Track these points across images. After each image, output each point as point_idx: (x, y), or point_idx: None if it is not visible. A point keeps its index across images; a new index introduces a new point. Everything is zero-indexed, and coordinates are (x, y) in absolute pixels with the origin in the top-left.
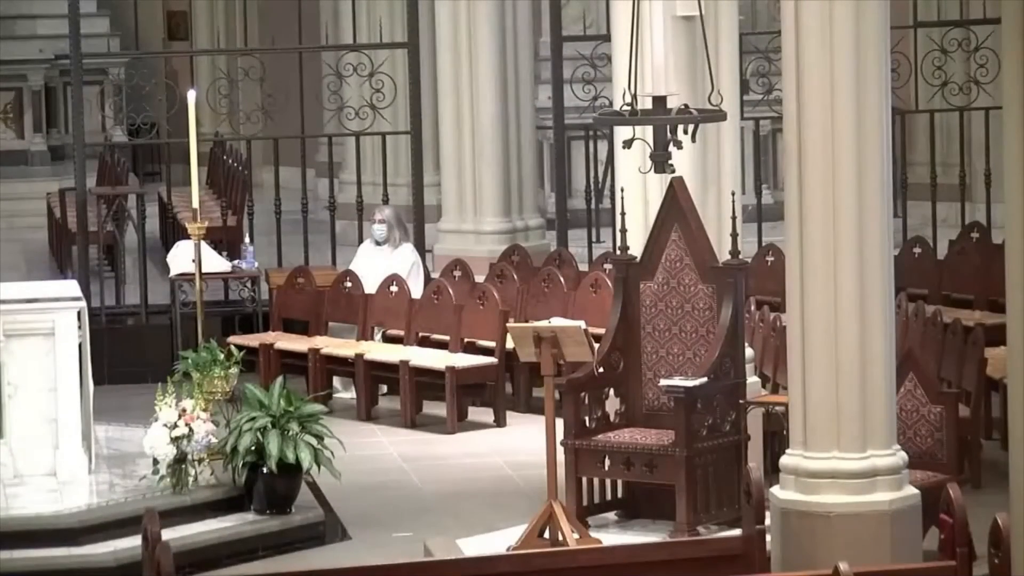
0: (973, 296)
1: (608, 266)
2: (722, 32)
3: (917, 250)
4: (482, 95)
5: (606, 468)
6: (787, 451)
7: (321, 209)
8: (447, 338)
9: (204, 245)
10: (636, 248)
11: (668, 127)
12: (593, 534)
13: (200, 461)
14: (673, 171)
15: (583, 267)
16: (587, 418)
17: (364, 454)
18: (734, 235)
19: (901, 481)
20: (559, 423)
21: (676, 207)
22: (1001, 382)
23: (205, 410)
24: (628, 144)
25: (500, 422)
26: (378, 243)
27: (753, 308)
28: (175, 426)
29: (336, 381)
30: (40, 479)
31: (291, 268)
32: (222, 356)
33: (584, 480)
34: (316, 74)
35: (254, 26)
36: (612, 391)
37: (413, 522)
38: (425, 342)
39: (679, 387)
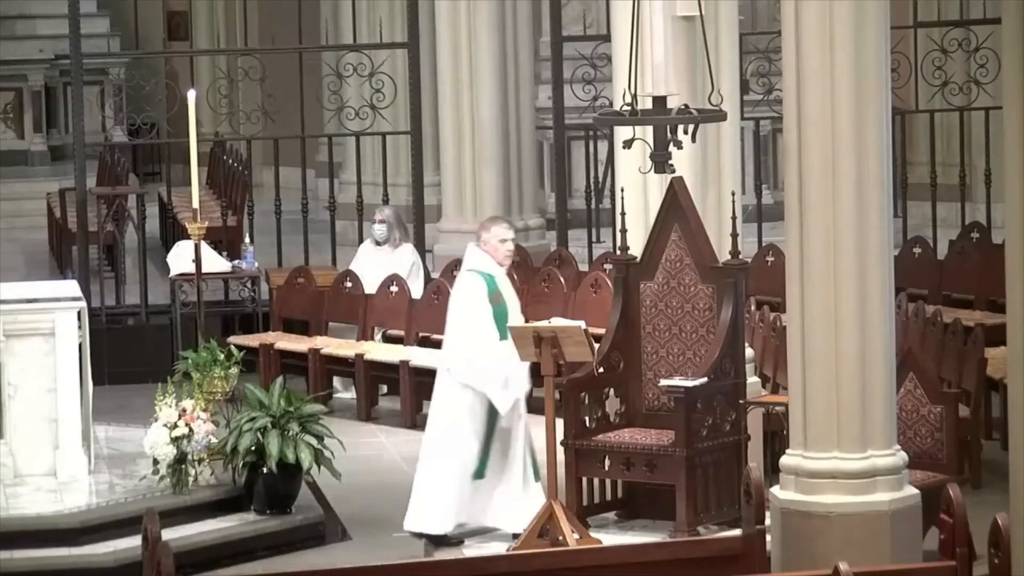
0: (973, 296)
1: (608, 266)
2: (722, 32)
3: (917, 250)
4: (482, 95)
5: (606, 468)
6: (787, 451)
7: (321, 209)
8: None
9: (204, 245)
10: (636, 248)
11: (668, 127)
12: (593, 534)
13: (200, 461)
14: (673, 171)
15: (583, 267)
16: (587, 418)
17: (364, 454)
18: (734, 235)
19: (901, 481)
20: (559, 423)
21: (676, 207)
22: (1001, 382)
23: (205, 410)
24: (628, 144)
25: None
26: (378, 243)
27: (753, 308)
28: (175, 426)
29: (336, 381)
30: (40, 479)
31: (291, 268)
32: (222, 356)
33: (584, 480)
34: (316, 74)
35: (254, 26)
36: (612, 391)
37: None
38: (425, 342)
39: (679, 387)
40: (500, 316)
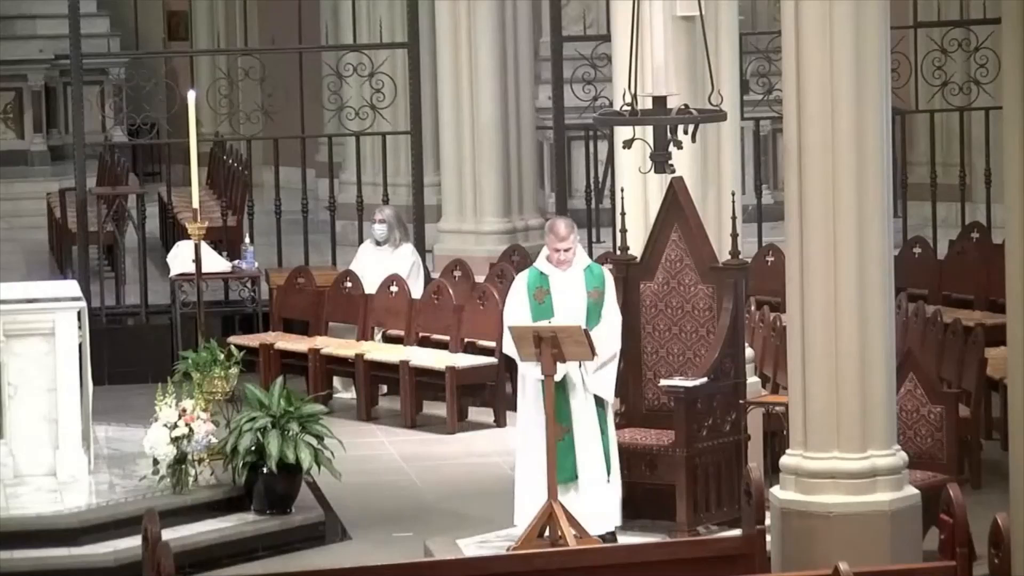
0: (973, 296)
1: (608, 266)
2: (722, 32)
3: (917, 250)
4: (482, 95)
5: None
6: (787, 451)
7: (321, 209)
8: (447, 338)
9: (204, 245)
10: (636, 248)
11: (668, 127)
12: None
13: (200, 461)
14: (673, 171)
15: None
16: None
17: (364, 454)
18: (734, 235)
19: (901, 481)
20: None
21: (676, 207)
22: (1001, 382)
23: (205, 410)
24: (628, 144)
25: (500, 422)
26: (378, 243)
27: (753, 308)
28: (175, 426)
29: (336, 381)
30: (40, 479)
31: (291, 268)
32: (222, 356)
33: None
34: (316, 74)
35: (254, 26)
36: None
37: (413, 522)
38: (425, 342)
39: (679, 387)
40: (540, 313)
